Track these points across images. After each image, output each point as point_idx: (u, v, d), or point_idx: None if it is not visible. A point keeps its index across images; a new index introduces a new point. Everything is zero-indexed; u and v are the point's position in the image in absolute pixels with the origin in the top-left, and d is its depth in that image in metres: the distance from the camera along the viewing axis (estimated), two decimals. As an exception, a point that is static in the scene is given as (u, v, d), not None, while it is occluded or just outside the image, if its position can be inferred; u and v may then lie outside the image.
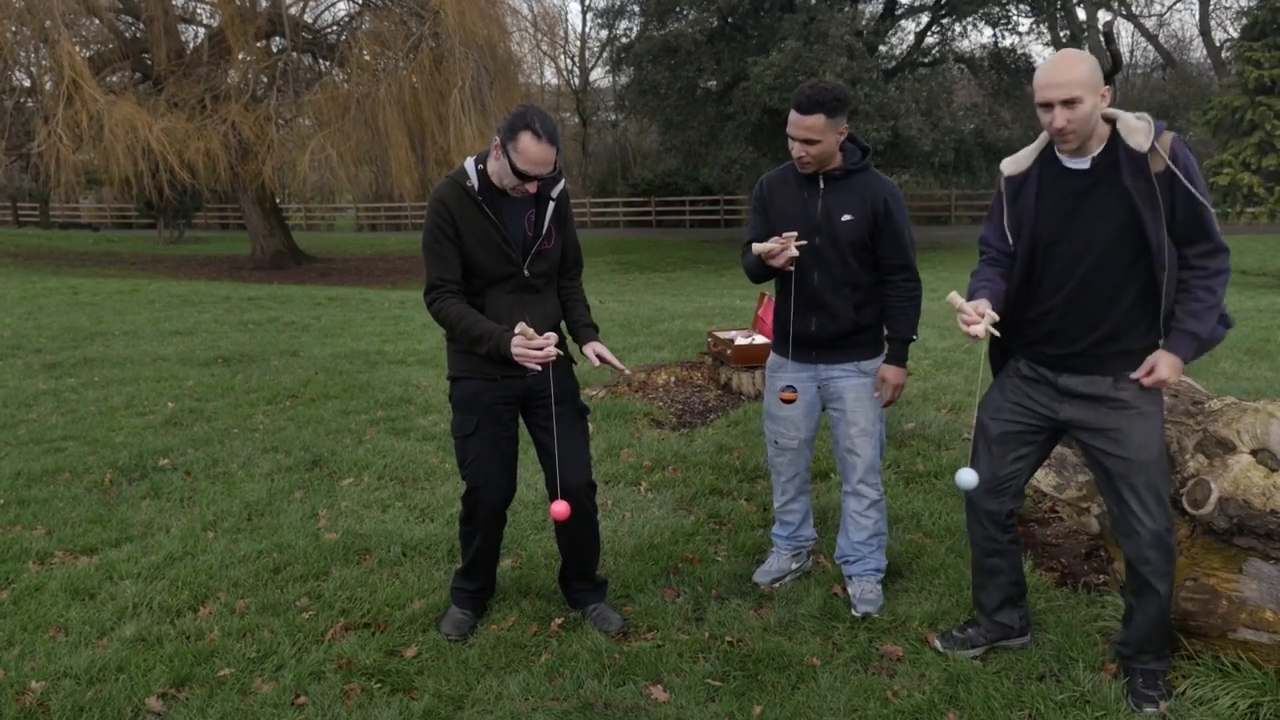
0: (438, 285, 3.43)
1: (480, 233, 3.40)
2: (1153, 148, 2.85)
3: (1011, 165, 3.15)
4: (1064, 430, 3.24)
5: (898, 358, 3.76)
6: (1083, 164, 2.99)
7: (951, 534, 4.49)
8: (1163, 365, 2.96)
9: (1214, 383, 6.69)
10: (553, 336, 3.27)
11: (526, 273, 3.48)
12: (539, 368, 3.27)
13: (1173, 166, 2.85)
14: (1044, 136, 3.08)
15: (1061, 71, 2.85)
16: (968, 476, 3.14)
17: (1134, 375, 3.01)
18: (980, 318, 2.93)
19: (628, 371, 3.63)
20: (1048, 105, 2.89)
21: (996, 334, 2.99)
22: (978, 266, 3.28)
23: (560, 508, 3.34)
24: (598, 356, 3.52)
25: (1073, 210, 3.01)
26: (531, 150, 3.24)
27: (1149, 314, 3.00)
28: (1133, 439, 3.04)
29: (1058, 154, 3.05)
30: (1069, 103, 2.85)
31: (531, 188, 3.36)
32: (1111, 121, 2.96)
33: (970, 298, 3.12)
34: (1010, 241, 3.19)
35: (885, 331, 3.80)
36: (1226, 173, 22.13)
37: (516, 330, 3.23)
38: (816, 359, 3.83)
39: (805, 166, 3.64)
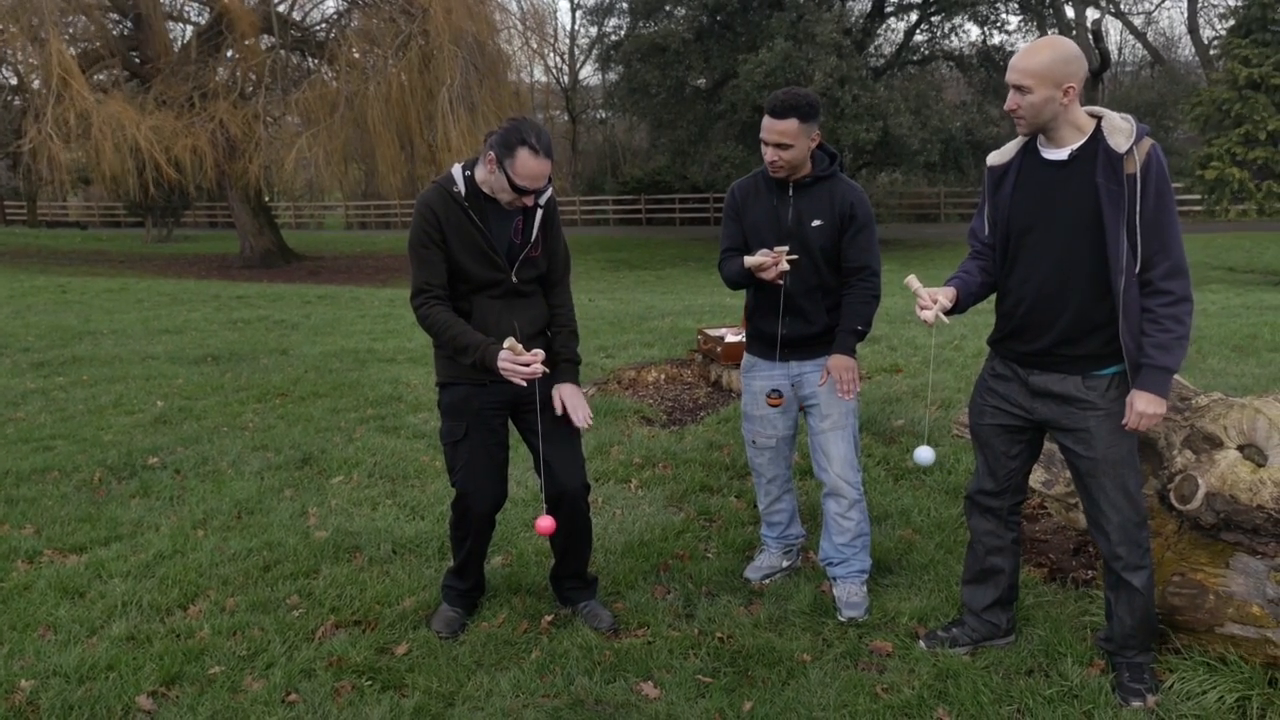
0: (424, 290, 3.42)
1: (467, 240, 3.41)
2: (1130, 151, 2.89)
3: (996, 156, 3.22)
4: (1044, 428, 3.26)
5: (844, 347, 3.73)
6: (1060, 155, 3.03)
7: (940, 530, 4.51)
8: (1139, 402, 2.96)
9: (1201, 379, 6.73)
10: (540, 354, 3.25)
11: (514, 280, 3.49)
12: (525, 384, 3.27)
13: (1139, 175, 2.88)
14: None
15: (1021, 58, 2.96)
16: (924, 454, 3.24)
17: (1124, 423, 3.02)
18: (933, 304, 3.02)
19: (587, 426, 3.56)
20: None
21: (947, 321, 3.05)
22: (965, 259, 3.34)
23: (545, 524, 3.33)
24: (561, 403, 3.52)
25: (1044, 200, 3.06)
26: (529, 165, 3.26)
27: (1113, 319, 3.00)
28: (1100, 439, 3.06)
29: (1038, 146, 3.09)
30: (1018, 88, 2.96)
31: (528, 201, 3.37)
32: (1098, 118, 2.99)
33: (945, 284, 3.18)
34: (989, 231, 3.25)
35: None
36: (1214, 167, 22.19)
37: (505, 345, 3.23)
38: (788, 357, 3.85)
39: (777, 171, 3.67)
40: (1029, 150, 3.13)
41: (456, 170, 3.44)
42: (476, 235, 3.40)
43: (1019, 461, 3.34)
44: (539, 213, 3.51)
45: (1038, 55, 2.92)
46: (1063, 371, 3.10)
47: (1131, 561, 3.11)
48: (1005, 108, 3.04)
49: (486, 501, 3.62)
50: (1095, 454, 3.07)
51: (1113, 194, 2.91)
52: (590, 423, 3.52)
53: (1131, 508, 3.09)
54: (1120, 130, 2.92)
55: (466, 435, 3.55)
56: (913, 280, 3.09)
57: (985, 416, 3.33)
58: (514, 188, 3.30)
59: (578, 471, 3.64)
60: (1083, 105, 3.03)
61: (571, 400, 3.51)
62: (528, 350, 3.29)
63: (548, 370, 3.35)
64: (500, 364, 3.22)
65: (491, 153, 3.31)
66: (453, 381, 3.55)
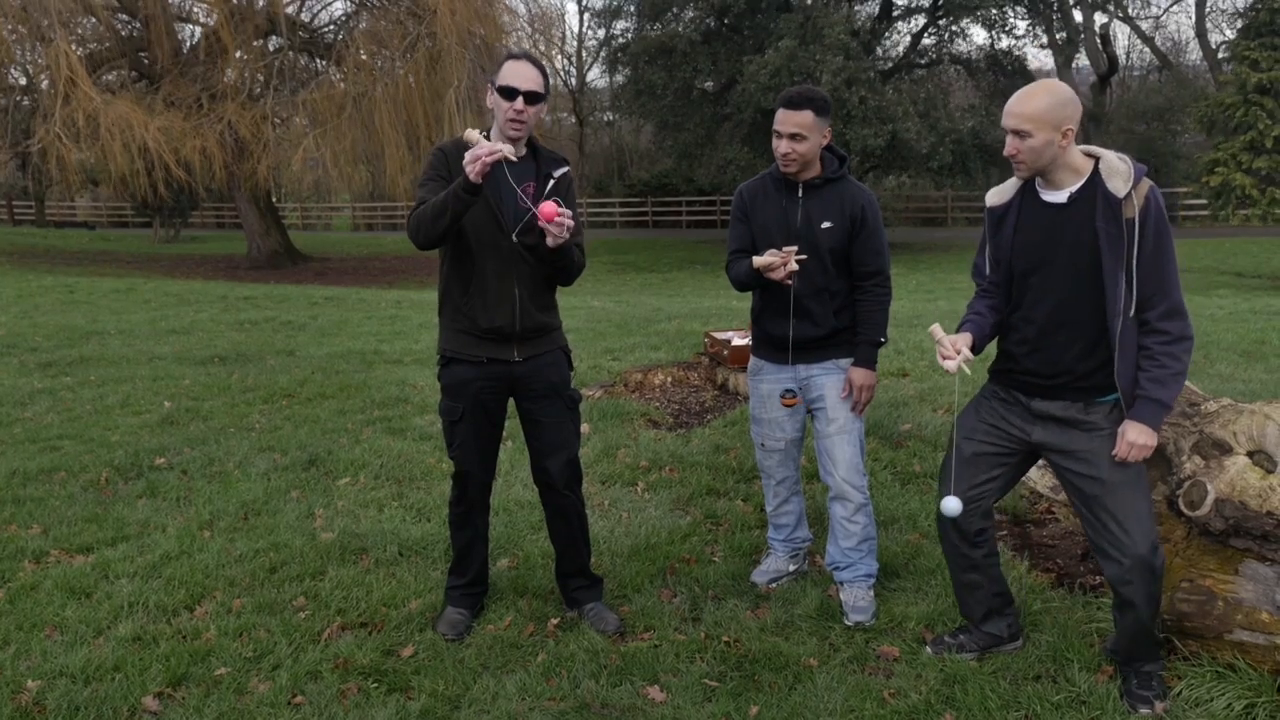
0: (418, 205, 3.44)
1: None
2: (1129, 196, 2.90)
3: (995, 196, 3.22)
4: (1036, 453, 3.25)
5: (866, 360, 3.79)
6: (1059, 198, 3.04)
7: (948, 535, 4.49)
8: (1130, 432, 2.97)
9: (1210, 384, 6.71)
10: (505, 147, 3.20)
11: (515, 239, 3.49)
12: (486, 165, 3.16)
13: (1138, 220, 2.88)
14: None
15: (1018, 102, 2.96)
16: (952, 504, 3.17)
17: (1114, 452, 3.01)
18: (956, 354, 3.02)
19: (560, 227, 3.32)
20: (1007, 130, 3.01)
21: (969, 372, 3.05)
22: (973, 298, 3.34)
23: (548, 208, 3.28)
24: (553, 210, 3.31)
25: (1045, 243, 3.06)
26: (511, 67, 3.41)
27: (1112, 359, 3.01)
28: (1105, 460, 3.03)
29: (1037, 187, 3.10)
30: (1017, 133, 2.96)
31: (520, 105, 3.39)
32: (1095, 159, 3.00)
33: (959, 329, 3.19)
34: (989, 270, 3.26)
35: (856, 334, 3.83)
36: (1220, 173, 22.15)
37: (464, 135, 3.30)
38: (795, 360, 3.85)
39: (789, 165, 3.66)
40: (1027, 191, 3.13)
41: (473, 131, 3.51)
42: (484, 186, 3.39)
43: (993, 485, 3.30)
44: (551, 182, 3.53)
45: (1035, 100, 2.92)
46: (1066, 399, 3.10)
47: (1144, 589, 3.03)
48: (1005, 153, 3.04)
49: (485, 476, 3.76)
50: (1101, 475, 3.03)
51: (1112, 237, 2.92)
52: (564, 224, 3.30)
53: (1144, 533, 2.99)
54: (1118, 173, 2.92)
55: (462, 418, 3.62)
56: (936, 329, 3.08)
57: (978, 435, 3.29)
58: (500, 90, 3.37)
59: (567, 459, 3.72)
60: (1082, 133, 3.03)
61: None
62: (526, 327, 3.47)
63: (511, 158, 3.27)
64: (467, 163, 3.17)
65: (489, 86, 3.46)
66: (454, 357, 3.60)
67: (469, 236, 3.47)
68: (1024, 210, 3.12)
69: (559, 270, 3.57)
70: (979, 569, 3.43)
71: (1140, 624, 3.10)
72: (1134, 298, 2.93)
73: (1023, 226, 3.12)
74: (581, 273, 3.66)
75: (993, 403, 3.30)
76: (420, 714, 3.20)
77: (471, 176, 3.18)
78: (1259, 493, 3.17)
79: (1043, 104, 2.91)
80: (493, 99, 3.44)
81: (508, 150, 3.20)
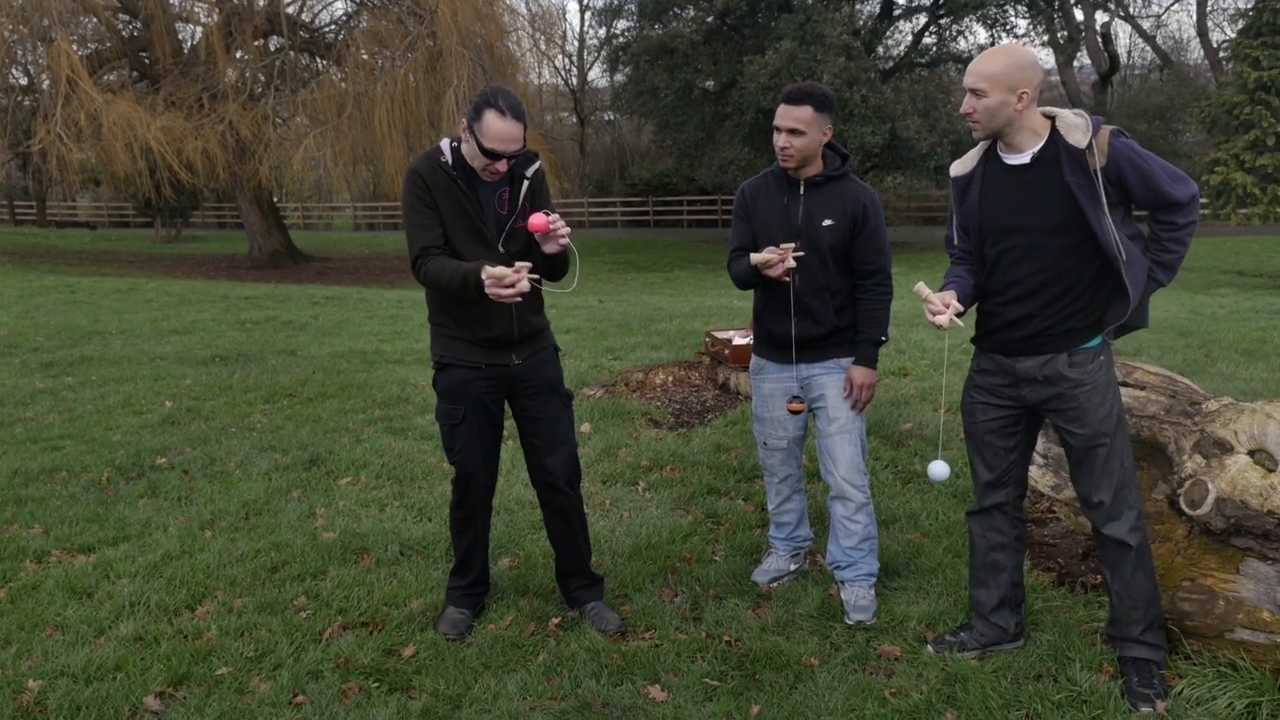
0: (422, 254, 3.43)
1: (454, 207, 3.43)
2: (1090, 146, 2.95)
3: (958, 166, 3.29)
4: (1038, 412, 3.29)
5: (867, 359, 3.79)
6: (1022, 159, 3.10)
7: (949, 533, 4.49)
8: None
9: (1211, 383, 6.70)
10: (523, 266, 3.21)
11: (502, 250, 3.49)
12: (518, 298, 3.23)
13: (1108, 169, 2.95)
14: None
15: (977, 62, 3.05)
16: (939, 468, 3.27)
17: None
18: (946, 308, 3.06)
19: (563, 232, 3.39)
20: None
21: (960, 324, 3.09)
22: (950, 266, 3.39)
23: (537, 221, 3.30)
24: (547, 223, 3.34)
25: (1013, 204, 3.11)
26: (497, 127, 3.29)
27: (1098, 301, 3.09)
28: (1091, 412, 3.13)
29: (999, 152, 3.15)
30: (974, 91, 3.03)
31: (501, 166, 3.39)
32: (1051, 119, 3.06)
33: (942, 289, 3.23)
34: (958, 240, 3.32)
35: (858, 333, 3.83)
36: (1220, 171, 22.13)
37: (483, 274, 3.21)
38: (797, 359, 3.85)
39: (787, 160, 3.67)
40: (990, 157, 3.19)
41: (444, 142, 3.49)
42: (463, 200, 3.43)
43: (1016, 454, 3.38)
44: (525, 184, 3.52)
45: (994, 60, 3.01)
46: (1047, 352, 3.16)
47: (1122, 524, 3.16)
48: (961, 111, 3.11)
49: (489, 477, 3.75)
50: (1088, 429, 3.14)
51: (1085, 189, 2.97)
52: (559, 231, 3.36)
53: (1122, 470, 3.16)
54: (1076, 127, 2.99)
55: (464, 420, 3.61)
56: (922, 287, 3.12)
57: (977, 414, 3.37)
58: (483, 151, 3.32)
59: (567, 456, 3.73)
60: (1050, 107, 3.11)
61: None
62: (523, 333, 3.45)
63: (538, 285, 3.31)
64: (487, 290, 3.20)
65: (464, 121, 3.37)
66: (450, 362, 3.60)
67: (458, 250, 3.47)
68: (987, 176, 3.18)
69: (555, 268, 3.58)
70: (1006, 550, 3.47)
71: (1134, 569, 3.16)
72: (1121, 242, 2.98)
73: (987, 192, 3.18)
74: (568, 267, 3.68)
75: (978, 379, 3.36)
76: (421, 713, 3.21)
77: (489, 296, 3.20)
78: (1260, 491, 3.17)
79: (999, 65, 2.98)
80: (470, 140, 3.36)
81: (526, 286, 3.20)
